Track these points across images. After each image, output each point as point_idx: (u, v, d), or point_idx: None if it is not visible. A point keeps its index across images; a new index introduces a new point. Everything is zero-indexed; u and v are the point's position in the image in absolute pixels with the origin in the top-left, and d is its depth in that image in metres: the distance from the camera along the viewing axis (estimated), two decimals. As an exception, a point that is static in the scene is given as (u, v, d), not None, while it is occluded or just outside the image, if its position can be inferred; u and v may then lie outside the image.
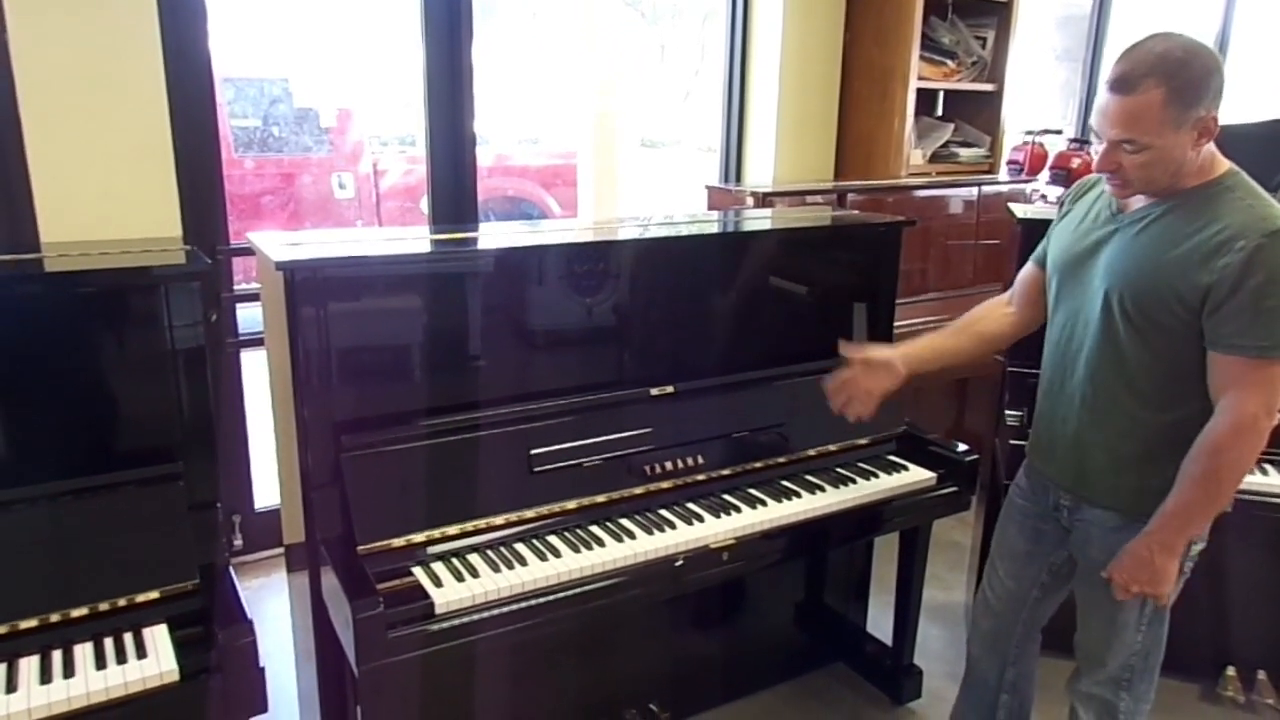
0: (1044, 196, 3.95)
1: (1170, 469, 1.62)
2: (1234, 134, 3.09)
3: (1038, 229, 2.67)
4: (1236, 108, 5.11)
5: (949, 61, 4.01)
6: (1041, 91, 5.56)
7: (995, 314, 1.95)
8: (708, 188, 3.82)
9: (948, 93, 4.20)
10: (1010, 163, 4.15)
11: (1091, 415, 1.71)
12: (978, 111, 4.22)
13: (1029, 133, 4.10)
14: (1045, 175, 4.01)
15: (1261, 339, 1.48)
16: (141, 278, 1.72)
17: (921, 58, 3.81)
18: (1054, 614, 1.97)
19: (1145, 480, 1.65)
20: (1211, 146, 1.57)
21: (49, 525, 1.58)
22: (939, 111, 4.27)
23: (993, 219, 3.91)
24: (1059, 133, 4.17)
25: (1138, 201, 1.64)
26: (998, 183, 4.04)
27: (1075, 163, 3.49)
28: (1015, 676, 2.01)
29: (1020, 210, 2.67)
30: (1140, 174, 1.55)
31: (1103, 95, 1.53)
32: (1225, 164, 1.59)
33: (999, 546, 1.98)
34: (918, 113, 3.88)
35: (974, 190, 3.90)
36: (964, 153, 4.16)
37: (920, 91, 3.83)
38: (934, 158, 4.07)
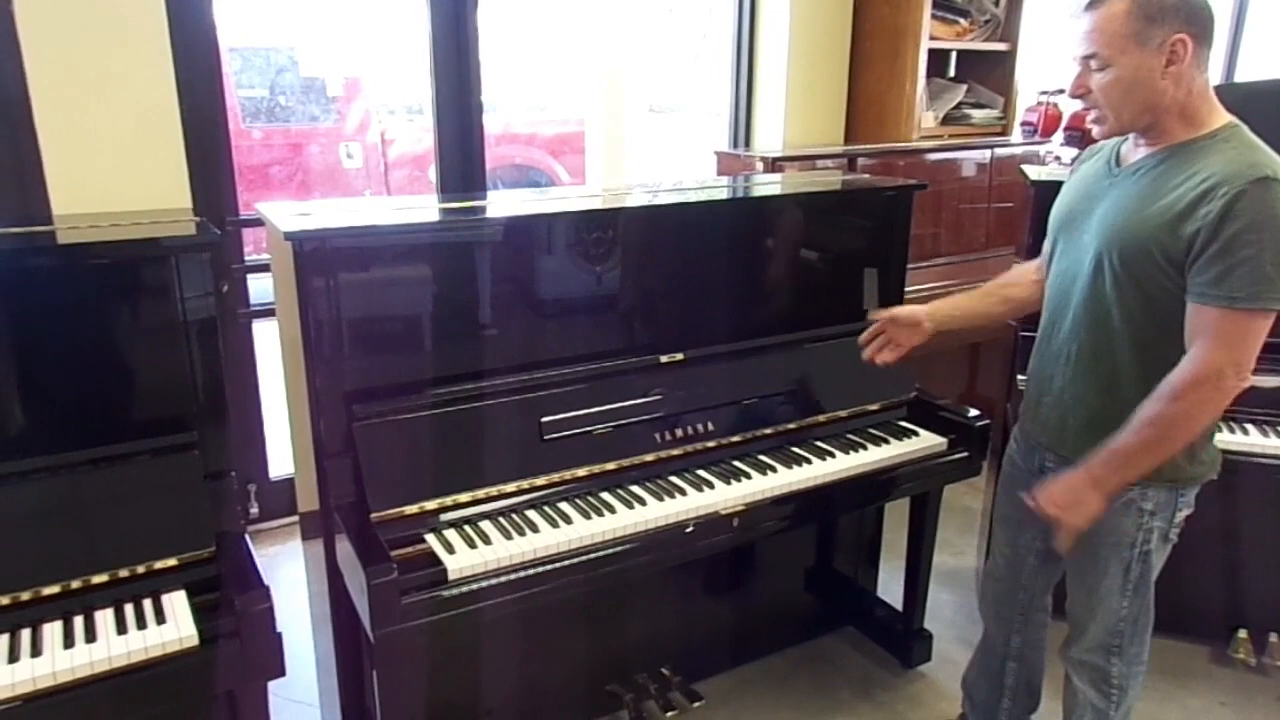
0: (1058, 158, 3.91)
1: None
2: (1253, 91, 3.05)
3: (1051, 191, 2.65)
4: (1257, 66, 5.01)
5: (961, 20, 3.94)
6: (1056, 50, 5.47)
7: (1023, 280, 1.95)
8: (716, 153, 3.79)
9: (960, 53, 4.13)
10: (1024, 124, 4.09)
11: (1075, 372, 1.70)
12: (991, 72, 4.15)
13: (1043, 93, 4.04)
14: (1059, 137, 3.96)
15: (1233, 289, 1.44)
16: (152, 249, 1.72)
17: (933, 16, 3.74)
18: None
19: None
20: (1212, 99, 1.54)
21: (68, 494, 1.60)
22: (951, 72, 4.21)
23: (1006, 182, 3.86)
24: (1074, 93, 4.11)
25: (1136, 154, 1.61)
26: (1011, 145, 3.99)
27: (1090, 123, 3.44)
28: (1021, 645, 2.02)
29: (1034, 172, 2.65)
30: (1106, 97, 1.52)
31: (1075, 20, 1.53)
32: (1225, 118, 1.55)
33: (998, 513, 1.99)
34: (929, 74, 3.83)
35: (987, 153, 3.85)
36: (976, 114, 4.10)
37: (932, 52, 3.77)
38: (946, 120, 4.02)
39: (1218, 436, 2.31)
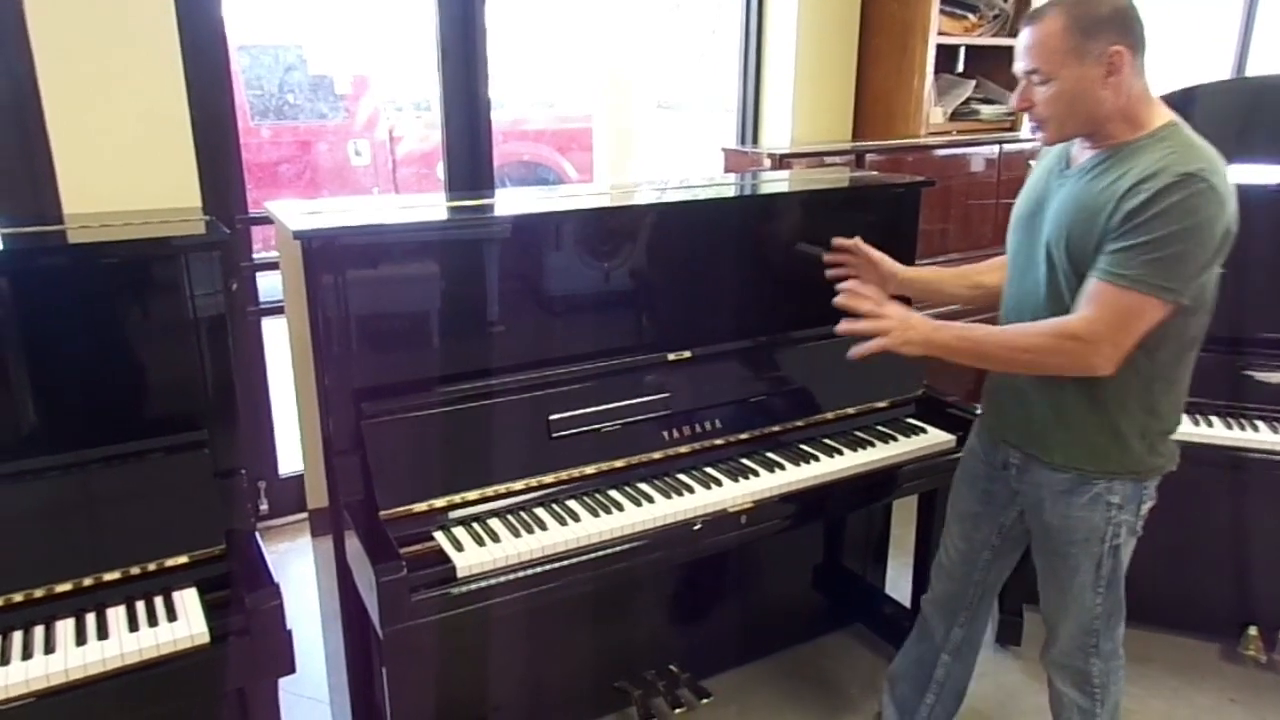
0: (1067, 154, 3.89)
1: (1114, 423, 1.63)
2: (1265, 86, 3.03)
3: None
4: (1269, 64, 4.97)
5: (970, 15, 3.93)
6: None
7: (996, 268, 1.96)
8: (724, 150, 3.79)
9: (969, 48, 4.12)
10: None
11: None
12: (1000, 67, 4.13)
13: (1053, 88, 4.02)
14: (1069, 132, 3.94)
15: (1124, 267, 1.48)
16: (162, 248, 1.74)
17: (942, 12, 3.73)
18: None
19: (1093, 437, 1.65)
20: (1152, 100, 1.57)
21: (80, 492, 1.62)
22: (960, 68, 4.20)
23: (1014, 177, 3.85)
24: (1083, 88, 4.08)
25: (1083, 156, 1.63)
26: (1020, 140, 3.97)
27: (1100, 119, 3.41)
28: (961, 640, 2.02)
29: (1042, 169, 2.63)
30: (1050, 110, 1.55)
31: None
32: (1166, 117, 1.57)
33: (953, 507, 1.98)
34: (938, 70, 3.81)
35: (995, 148, 3.84)
36: (985, 110, 4.09)
37: (940, 47, 3.76)
38: (954, 116, 4.01)
39: (1226, 432, 2.33)
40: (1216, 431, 2.32)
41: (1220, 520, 2.53)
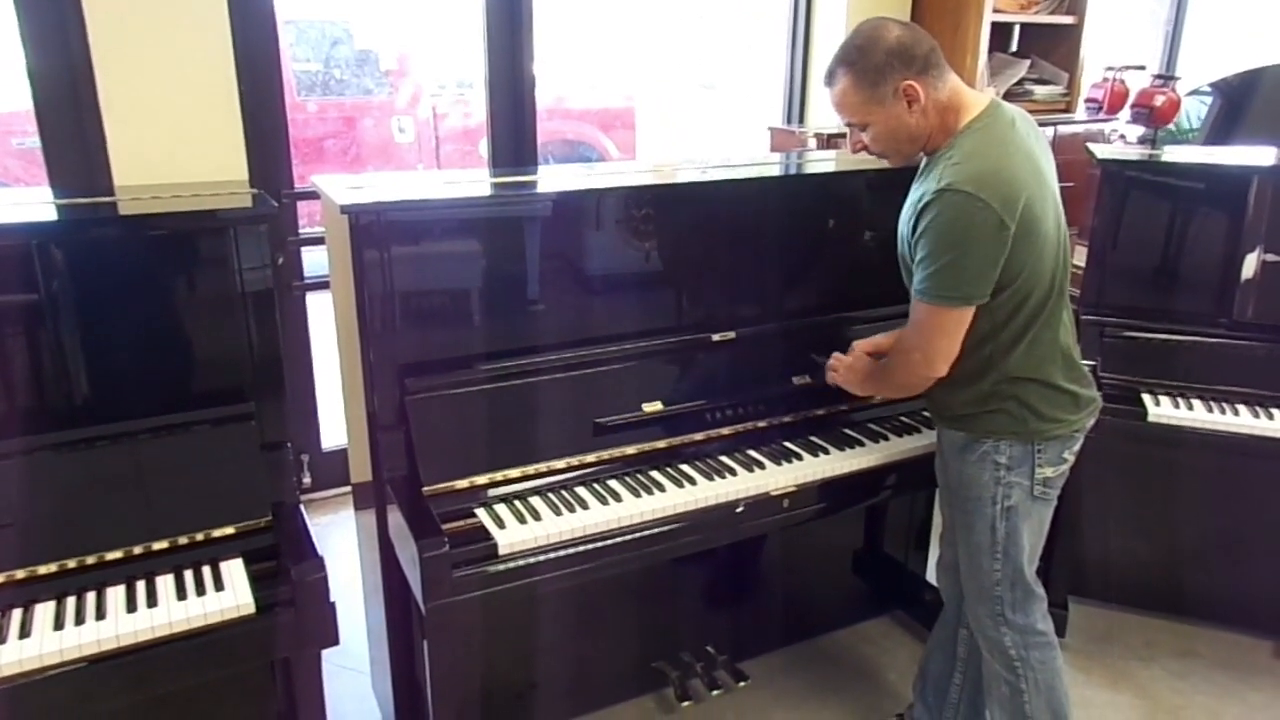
0: (1123, 136, 3.78)
1: (980, 394, 1.71)
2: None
3: (1117, 171, 2.57)
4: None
5: (1027, -8, 3.82)
6: (1125, 24, 5.28)
7: None
8: (770, 129, 3.74)
9: (1024, 26, 4.01)
10: (1088, 101, 3.95)
11: None
12: (1055, 46, 4.03)
13: (1110, 69, 3.90)
14: (1126, 114, 3.82)
15: (919, 283, 1.64)
16: (210, 221, 1.75)
17: (997, -12, 3.64)
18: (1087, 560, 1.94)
19: (967, 407, 1.73)
20: (961, 102, 1.65)
21: (130, 462, 1.64)
22: (1014, 47, 4.09)
23: (1069, 160, 3.70)
24: (1142, 68, 3.96)
25: (922, 160, 1.76)
26: (1074, 122, 3.87)
27: (1159, 100, 3.29)
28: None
29: (1101, 151, 2.56)
30: (880, 146, 1.71)
31: None
32: (971, 114, 1.65)
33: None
34: (991, 48, 3.72)
35: (1049, 130, 3.74)
36: (1039, 90, 3.98)
37: (995, 25, 3.66)
38: (1007, 96, 3.90)
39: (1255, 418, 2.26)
40: (1278, 424, 2.25)
41: (1275, 515, 2.46)
